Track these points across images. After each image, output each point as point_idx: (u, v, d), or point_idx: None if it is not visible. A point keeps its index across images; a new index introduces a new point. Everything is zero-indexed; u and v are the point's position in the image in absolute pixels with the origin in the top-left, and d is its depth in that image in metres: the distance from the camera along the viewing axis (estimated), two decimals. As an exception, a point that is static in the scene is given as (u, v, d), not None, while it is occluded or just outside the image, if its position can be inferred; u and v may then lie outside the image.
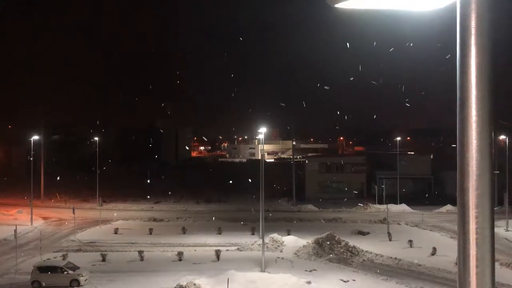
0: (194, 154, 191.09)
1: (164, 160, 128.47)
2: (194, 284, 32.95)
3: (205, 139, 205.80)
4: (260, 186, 43.18)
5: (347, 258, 42.35)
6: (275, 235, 46.86)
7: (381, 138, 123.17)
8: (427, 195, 70.39)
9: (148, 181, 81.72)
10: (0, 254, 43.96)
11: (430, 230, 54.41)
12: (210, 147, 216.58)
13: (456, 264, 2.12)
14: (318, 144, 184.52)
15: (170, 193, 76.06)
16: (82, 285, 35.64)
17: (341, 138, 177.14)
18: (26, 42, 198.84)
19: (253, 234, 50.99)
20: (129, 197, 77.09)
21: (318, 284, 34.79)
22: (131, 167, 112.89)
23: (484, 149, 1.99)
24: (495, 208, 2.07)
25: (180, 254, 41.99)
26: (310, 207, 70.22)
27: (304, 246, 44.59)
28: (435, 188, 78.77)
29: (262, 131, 51.37)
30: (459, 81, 2.04)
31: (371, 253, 43.39)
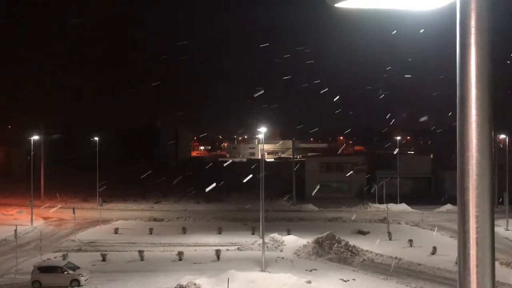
0: (194, 153, 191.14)
1: (164, 160, 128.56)
2: (195, 284, 32.94)
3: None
4: (260, 186, 43.17)
5: (347, 258, 42.36)
6: (275, 235, 46.87)
7: (381, 138, 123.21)
8: (424, 196, 70.40)
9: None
10: (0, 254, 43.96)
11: (430, 230, 54.40)
12: (210, 147, 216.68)
13: (456, 263, 2.13)
14: (318, 144, 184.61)
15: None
16: (82, 285, 35.63)
17: (341, 137, 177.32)
18: (27, 42, 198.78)
19: (253, 233, 51.00)
20: (129, 197, 77.12)
21: (318, 283, 34.79)
22: (131, 167, 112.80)
23: (484, 149, 2.00)
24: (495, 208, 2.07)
25: (180, 254, 42.00)
26: (310, 206, 70.23)
27: (304, 245, 44.60)
28: (435, 188, 78.78)
29: (262, 130, 51.32)
30: (459, 80, 2.04)
31: (371, 252, 43.41)
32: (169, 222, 59.71)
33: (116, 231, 52.83)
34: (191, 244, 47.37)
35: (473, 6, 1.99)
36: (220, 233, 51.76)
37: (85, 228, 54.92)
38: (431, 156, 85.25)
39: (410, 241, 46.45)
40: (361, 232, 52.04)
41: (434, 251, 43.19)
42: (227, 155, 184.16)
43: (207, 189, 68.78)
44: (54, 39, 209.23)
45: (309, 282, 34.58)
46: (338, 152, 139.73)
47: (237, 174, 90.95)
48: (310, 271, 38.57)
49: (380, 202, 69.33)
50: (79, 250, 45.92)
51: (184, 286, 32.86)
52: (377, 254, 42.98)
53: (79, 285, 35.57)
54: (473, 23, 1.99)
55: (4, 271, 38.82)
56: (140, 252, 42.23)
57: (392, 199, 67.51)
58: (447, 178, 73.02)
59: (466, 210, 2.01)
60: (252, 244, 46.35)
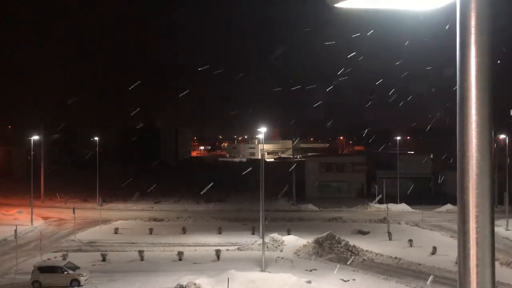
0: (194, 153, 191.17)
1: (163, 160, 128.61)
2: (195, 284, 32.93)
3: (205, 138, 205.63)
4: (260, 186, 43.17)
5: (347, 258, 42.35)
6: (275, 235, 46.86)
7: (381, 138, 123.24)
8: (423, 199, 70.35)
9: None
10: (0, 254, 43.96)
11: (430, 230, 54.41)
12: (210, 147, 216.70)
13: (456, 263, 2.12)
14: (318, 144, 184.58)
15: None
16: (82, 285, 35.63)
17: (341, 137, 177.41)
18: (26, 42, 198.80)
19: (253, 233, 51.01)
20: (129, 197, 77.12)
21: (318, 283, 34.79)
22: (131, 167, 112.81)
23: (484, 149, 1.99)
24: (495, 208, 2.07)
25: (180, 254, 42.00)
26: (310, 206, 70.22)
27: (304, 245, 44.59)
28: (435, 188, 78.79)
29: (262, 130, 51.32)
30: (459, 80, 2.04)
31: (371, 252, 43.41)
32: (169, 222, 59.70)
33: (116, 231, 52.83)
34: (191, 244, 47.37)
35: (473, 6, 1.99)
36: (220, 233, 51.77)
37: (85, 228, 54.90)
38: (431, 156, 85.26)
39: (410, 241, 46.45)
40: (361, 232, 52.05)
41: (434, 251, 43.19)
42: (227, 155, 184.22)
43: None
44: (54, 38, 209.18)
45: (309, 282, 34.58)
46: (338, 152, 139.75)
47: (236, 174, 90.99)
48: (310, 271, 38.57)
49: (380, 202, 69.36)
50: (79, 250, 45.91)
51: (184, 286, 32.86)
52: (377, 254, 42.98)
53: (79, 285, 35.56)
54: (473, 23, 1.99)
55: (4, 271, 38.81)
56: (140, 252, 42.22)
57: (392, 199, 67.52)
58: (447, 178, 72.99)
59: (466, 210, 2.00)
60: (252, 244, 46.35)
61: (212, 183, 68.63)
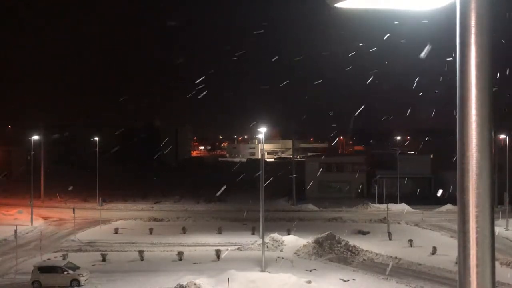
0: (194, 153, 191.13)
1: (163, 160, 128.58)
2: (195, 284, 32.93)
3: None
4: (260, 186, 43.14)
5: (347, 258, 42.35)
6: (275, 235, 46.85)
7: (381, 138, 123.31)
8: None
9: None
10: (0, 254, 43.94)
11: (430, 230, 54.39)
12: (210, 147, 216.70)
13: (456, 263, 2.12)
14: (318, 144, 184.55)
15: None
16: (82, 285, 35.64)
17: (341, 137, 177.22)
18: (28, 43, 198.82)
19: (253, 233, 51.00)
20: (129, 197, 77.06)
21: (318, 283, 34.78)
22: (131, 167, 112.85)
23: (484, 149, 1.99)
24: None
25: (180, 254, 41.99)
26: (310, 206, 70.20)
27: (304, 245, 44.59)
28: (435, 188, 78.72)
29: (262, 130, 51.28)
30: (459, 81, 2.04)
31: (371, 252, 43.40)
32: (169, 222, 59.69)
33: (116, 231, 52.82)
34: (191, 244, 47.36)
35: (473, 6, 1.99)
36: (220, 233, 51.75)
37: (85, 228, 54.88)
38: (431, 156, 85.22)
39: (410, 241, 46.43)
40: (361, 232, 52.03)
41: (434, 251, 43.18)
42: (227, 155, 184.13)
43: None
44: (54, 38, 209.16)
45: (309, 282, 34.57)
46: (338, 152, 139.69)
47: (236, 174, 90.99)
48: (310, 271, 38.56)
49: (380, 202, 69.32)
50: (79, 250, 45.90)
51: (184, 286, 32.85)
52: (377, 254, 42.96)
53: (79, 285, 35.56)
54: (473, 23, 1.99)
55: (4, 271, 38.80)
56: (140, 252, 42.21)
57: (392, 199, 67.47)
58: (447, 178, 72.93)
59: (466, 210, 2.00)
60: (252, 244, 46.34)
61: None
